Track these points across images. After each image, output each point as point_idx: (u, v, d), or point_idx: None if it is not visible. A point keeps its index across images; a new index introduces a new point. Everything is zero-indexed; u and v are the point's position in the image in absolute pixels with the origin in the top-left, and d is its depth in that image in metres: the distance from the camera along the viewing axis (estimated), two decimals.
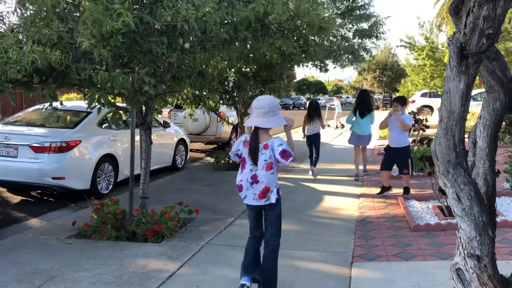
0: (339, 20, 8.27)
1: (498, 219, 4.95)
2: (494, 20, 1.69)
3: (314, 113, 9.02)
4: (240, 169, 3.60)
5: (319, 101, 15.71)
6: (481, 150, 2.29)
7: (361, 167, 9.12)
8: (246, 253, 3.63)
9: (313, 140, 9.14)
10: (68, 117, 7.93)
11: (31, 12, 4.27)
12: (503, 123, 2.38)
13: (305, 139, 9.25)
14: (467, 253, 2.03)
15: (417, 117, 11.33)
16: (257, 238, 3.68)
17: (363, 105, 8.81)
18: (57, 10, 4.11)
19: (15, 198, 7.47)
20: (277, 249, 3.57)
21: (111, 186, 7.71)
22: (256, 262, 3.59)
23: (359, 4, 8.42)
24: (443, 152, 1.99)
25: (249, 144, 3.50)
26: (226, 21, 4.59)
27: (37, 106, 8.39)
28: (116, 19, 3.69)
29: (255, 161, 3.46)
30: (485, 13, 1.68)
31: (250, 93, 9.64)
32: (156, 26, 4.26)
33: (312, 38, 6.28)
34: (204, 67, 5.82)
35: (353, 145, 9.08)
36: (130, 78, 4.05)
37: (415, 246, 4.73)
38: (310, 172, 9.16)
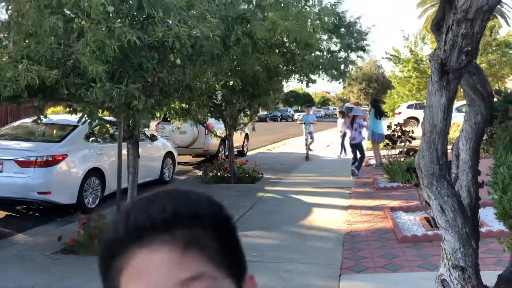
0: (325, 37, 8.37)
1: (483, 230, 5.01)
2: (472, 37, 1.75)
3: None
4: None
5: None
6: (464, 162, 2.34)
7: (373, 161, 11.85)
8: None
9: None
10: (55, 130, 7.87)
11: (23, 27, 4.25)
12: (485, 136, 2.43)
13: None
14: (452, 264, 2.06)
15: (403, 129, 11.46)
16: None
17: (379, 110, 11.84)
18: (51, 27, 4.10)
19: (0, 214, 7.36)
20: None
21: (98, 200, 7.64)
22: None
23: (346, 22, 8.52)
24: (427, 165, 2.03)
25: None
26: (214, 37, 4.63)
27: (23, 120, 8.33)
28: (118, 38, 3.69)
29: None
30: (463, 31, 1.73)
31: (238, 105, 9.68)
32: (147, 41, 4.28)
33: (298, 53, 6.36)
34: (192, 80, 5.85)
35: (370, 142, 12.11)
36: (123, 92, 4.04)
37: (403, 257, 4.76)
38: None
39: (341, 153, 14.16)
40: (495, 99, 2.40)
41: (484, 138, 2.43)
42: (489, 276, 2.84)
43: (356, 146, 10.52)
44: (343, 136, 14.02)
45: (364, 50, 10.16)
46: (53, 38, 4.03)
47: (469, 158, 2.31)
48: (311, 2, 6.48)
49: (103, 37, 3.61)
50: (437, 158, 2.00)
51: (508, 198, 1.93)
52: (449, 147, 2.72)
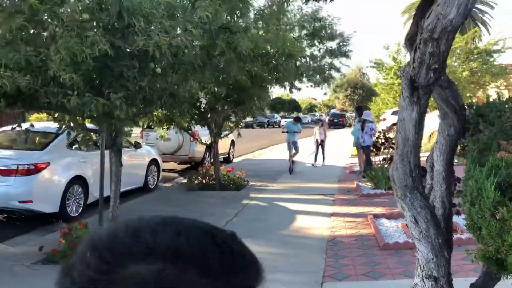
0: (308, 42, 8.48)
1: (463, 236, 5.10)
2: (439, 56, 1.81)
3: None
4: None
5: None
6: (438, 173, 2.39)
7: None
8: None
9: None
10: (37, 138, 7.78)
11: None
12: (458, 147, 2.49)
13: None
14: (425, 275, 2.11)
15: (387, 136, 11.59)
16: None
17: None
18: (24, 33, 4.08)
19: None
20: None
21: (81, 208, 7.56)
22: None
23: (325, 24, 8.66)
24: (400, 177, 2.08)
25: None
26: (195, 47, 4.66)
27: (4, 128, 8.23)
28: (90, 46, 3.69)
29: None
30: (430, 50, 1.79)
31: (223, 112, 9.70)
32: (127, 50, 4.28)
33: (281, 63, 6.41)
34: (175, 87, 5.86)
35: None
36: (102, 104, 4.03)
37: (384, 265, 4.81)
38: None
39: (323, 161, 14.02)
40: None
41: (457, 149, 2.49)
42: (461, 283, 2.89)
43: (367, 148, 10.77)
44: (320, 145, 13.93)
45: (347, 56, 10.29)
46: (28, 46, 4.01)
47: (443, 169, 2.37)
48: (291, 9, 6.58)
49: (74, 44, 3.60)
50: (410, 170, 2.05)
51: (476, 210, 1.99)
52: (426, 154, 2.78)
